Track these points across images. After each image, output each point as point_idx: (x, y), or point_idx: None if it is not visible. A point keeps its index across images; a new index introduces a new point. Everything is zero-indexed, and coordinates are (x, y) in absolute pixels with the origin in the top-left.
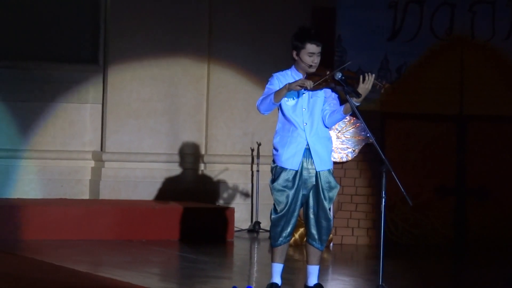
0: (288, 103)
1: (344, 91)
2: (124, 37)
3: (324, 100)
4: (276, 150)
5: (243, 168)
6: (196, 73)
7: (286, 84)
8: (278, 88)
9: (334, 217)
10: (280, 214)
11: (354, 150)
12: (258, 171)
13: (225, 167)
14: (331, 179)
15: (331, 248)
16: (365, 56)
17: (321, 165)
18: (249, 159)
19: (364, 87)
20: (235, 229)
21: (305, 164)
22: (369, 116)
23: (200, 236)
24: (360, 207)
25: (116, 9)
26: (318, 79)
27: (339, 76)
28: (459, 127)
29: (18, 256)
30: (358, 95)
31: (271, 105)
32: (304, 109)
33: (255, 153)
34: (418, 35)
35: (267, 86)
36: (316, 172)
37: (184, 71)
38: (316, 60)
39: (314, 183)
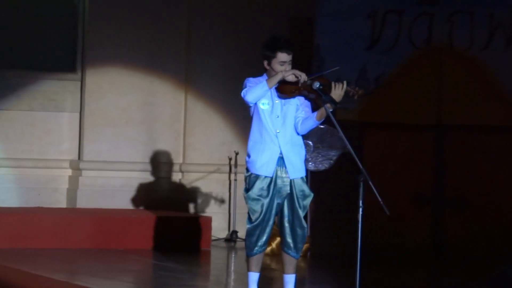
0: (263, 107)
1: (322, 100)
2: (102, 46)
3: (296, 107)
4: (249, 156)
5: (220, 177)
6: (173, 82)
7: (280, 72)
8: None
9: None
10: (255, 223)
11: (331, 160)
12: (235, 180)
13: (202, 176)
14: (305, 187)
15: (308, 257)
16: (344, 66)
17: (295, 173)
18: (227, 168)
19: (336, 93)
20: (212, 238)
21: (279, 173)
22: (347, 126)
23: (177, 245)
24: (338, 217)
25: (94, 18)
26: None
27: (317, 86)
28: (437, 136)
29: None
30: (335, 103)
31: (262, 92)
32: (277, 117)
33: (232, 162)
34: (396, 44)
35: (247, 84)
36: (290, 180)
37: (161, 80)
38: (287, 68)
39: (289, 191)
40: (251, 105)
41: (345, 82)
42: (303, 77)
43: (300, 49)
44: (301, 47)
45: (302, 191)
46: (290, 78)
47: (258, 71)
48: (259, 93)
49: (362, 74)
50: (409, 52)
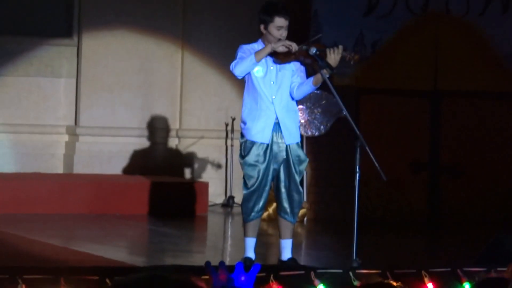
0: (257, 74)
1: (318, 65)
2: (98, 11)
3: (292, 73)
4: (245, 123)
5: (217, 142)
6: (170, 47)
7: (269, 44)
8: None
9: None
10: (252, 189)
11: (326, 125)
12: (232, 145)
13: (198, 141)
14: (300, 152)
15: (305, 223)
16: (341, 32)
17: (290, 138)
18: (223, 134)
19: (332, 58)
20: (209, 203)
21: (275, 138)
22: (343, 91)
23: (174, 211)
24: (335, 182)
25: None
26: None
27: (314, 51)
28: (433, 102)
29: None
30: (331, 69)
31: (251, 66)
32: (272, 83)
33: (229, 127)
34: (393, 10)
35: (239, 53)
36: (286, 145)
37: (158, 45)
38: (284, 33)
39: (285, 156)
40: (239, 78)
41: (341, 47)
42: (293, 46)
43: (297, 15)
44: (299, 13)
45: (298, 156)
46: (281, 49)
47: (255, 37)
48: (247, 67)
49: (359, 40)
50: (406, 18)
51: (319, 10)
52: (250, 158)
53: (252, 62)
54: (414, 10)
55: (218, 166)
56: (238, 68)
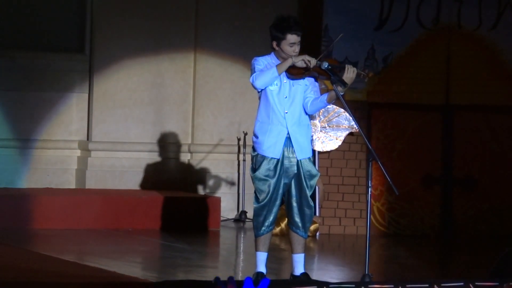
0: (272, 88)
1: (330, 80)
2: (110, 26)
3: (305, 88)
4: (256, 137)
5: (229, 157)
6: (182, 62)
7: (289, 58)
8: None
9: (321, 206)
10: (262, 203)
11: (337, 139)
12: (244, 160)
13: (210, 156)
14: (311, 167)
15: (317, 237)
16: (352, 46)
17: (302, 153)
18: (236, 149)
19: (349, 77)
20: (221, 218)
21: (286, 153)
22: (355, 106)
23: (186, 226)
24: (347, 197)
25: None
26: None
27: (325, 66)
28: (445, 116)
29: (3, 245)
30: (344, 84)
31: (273, 78)
32: (285, 97)
33: (241, 142)
34: (405, 24)
35: (255, 67)
36: (297, 160)
37: (170, 60)
38: (296, 49)
39: (296, 171)
40: (259, 90)
41: (354, 68)
42: (312, 62)
43: (308, 29)
44: (310, 26)
45: (309, 171)
46: (300, 64)
47: (268, 51)
48: (268, 79)
49: (370, 54)
50: (417, 32)
51: (330, 24)
52: (260, 173)
53: (274, 75)
54: (425, 24)
55: (231, 181)
56: (259, 81)
